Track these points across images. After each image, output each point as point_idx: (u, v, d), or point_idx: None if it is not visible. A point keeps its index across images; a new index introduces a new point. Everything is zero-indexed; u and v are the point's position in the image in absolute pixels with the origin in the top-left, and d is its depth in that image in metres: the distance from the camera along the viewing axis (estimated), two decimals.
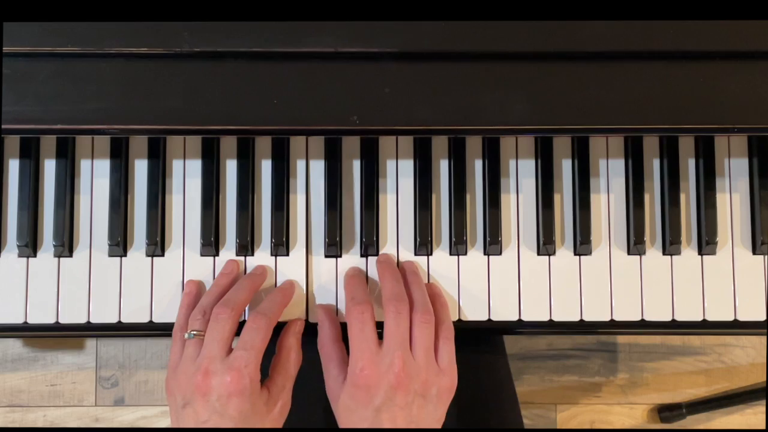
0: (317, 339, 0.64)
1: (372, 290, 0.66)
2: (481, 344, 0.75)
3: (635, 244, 0.66)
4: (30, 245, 0.65)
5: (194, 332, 0.61)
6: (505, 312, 0.67)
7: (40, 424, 1.35)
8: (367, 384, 0.58)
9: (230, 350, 0.59)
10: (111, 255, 0.66)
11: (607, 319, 0.67)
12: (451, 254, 0.67)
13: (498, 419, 0.73)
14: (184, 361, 0.60)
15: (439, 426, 0.61)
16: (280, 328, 0.64)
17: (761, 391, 1.29)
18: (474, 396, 0.72)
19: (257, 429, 0.58)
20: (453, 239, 0.66)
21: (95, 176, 0.67)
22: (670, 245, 0.66)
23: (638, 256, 0.67)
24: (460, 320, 0.66)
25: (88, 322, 0.66)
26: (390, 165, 0.67)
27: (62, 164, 0.66)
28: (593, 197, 0.67)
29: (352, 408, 0.59)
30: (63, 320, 0.66)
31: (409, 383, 0.58)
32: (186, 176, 0.67)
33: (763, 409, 1.35)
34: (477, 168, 0.68)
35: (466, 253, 0.67)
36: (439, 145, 0.68)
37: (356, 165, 0.67)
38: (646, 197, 0.68)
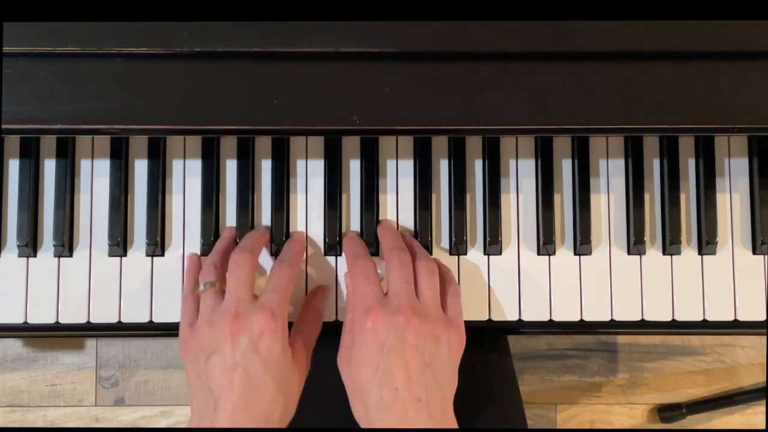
0: (346, 306, 0.62)
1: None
2: (485, 344, 0.75)
3: (635, 244, 0.66)
4: (30, 245, 0.65)
5: (209, 283, 0.59)
6: (505, 312, 0.67)
7: (40, 424, 1.35)
8: (374, 325, 0.55)
9: (254, 296, 0.58)
10: (111, 255, 0.66)
11: (607, 319, 0.67)
12: (451, 254, 0.67)
13: (501, 419, 0.73)
14: (204, 312, 0.58)
15: (455, 384, 0.59)
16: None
17: (761, 391, 1.29)
18: (478, 395, 0.72)
19: (263, 429, 0.57)
20: (453, 239, 0.66)
21: (95, 176, 0.67)
22: (670, 245, 0.66)
23: (638, 256, 0.67)
24: None
25: (88, 322, 0.66)
26: (390, 165, 0.68)
27: (62, 164, 0.66)
28: (593, 197, 0.67)
29: (362, 359, 0.56)
30: (63, 320, 0.66)
31: (418, 323, 0.56)
32: (186, 176, 0.67)
33: (763, 409, 1.35)
34: (477, 168, 0.68)
35: (466, 253, 0.67)
36: (439, 145, 0.68)
37: (356, 165, 0.67)
38: (646, 197, 0.68)
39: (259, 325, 0.55)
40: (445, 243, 0.67)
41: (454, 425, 0.57)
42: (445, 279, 0.62)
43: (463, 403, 0.69)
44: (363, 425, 0.57)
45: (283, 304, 0.57)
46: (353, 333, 0.57)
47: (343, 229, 0.67)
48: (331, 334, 0.63)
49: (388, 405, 0.54)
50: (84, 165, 0.67)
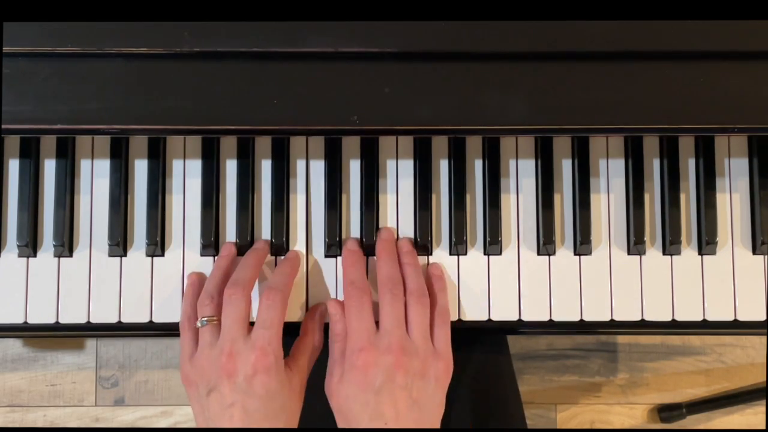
0: (329, 333, 0.64)
1: (370, 270, 0.66)
2: (484, 343, 0.75)
3: (635, 244, 0.66)
4: (30, 245, 0.65)
5: (206, 318, 0.61)
6: (505, 312, 0.67)
7: (40, 424, 1.35)
8: (365, 365, 0.58)
9: (249, 329, 0.60)
10: (111, 255, 0.66)
11: (607, 319, 0.67)
12: (451, 254, 0.67)
13: (501, 419, 0.73)
14: (203, 348, 0.60)
15: (441, 412, 0.61)
16: (286, 330, 0.64)
17: (761, 391, 1.29)
18: (478, 395, 0.72)
19: (266, 429, 0.58)
20: (453, 239, 0.66)
21: (95, 176, 0.67)
22: (670, 245, 0.66)
23: (638, 256, 0.67)
24: (460, 320, 0.66)
25: (88, 322, 0.66)
26: (390, 165, 0.67)
27: (62, 164, 0.66)
28: (593, 197, 0.67)
29: (352, 396, 0.59)
30: (63, 320, 0.66)
31: (407, 362, 0.58)
32: (186, 176, 0.67)
33: (763, 409, 1.35)
34: (477, 168, 0.68)
35: (466, 253, 0.67)
36: (439, 145, 0.68)
37: (356, 165, 0.67)
38: (646, 197, 0.68)
39: (252, 365, 0.57)
40: (445, 243, 0.67)
41: None
42: (435, 307, 0.63)
43: (462, 403, 0.69)
44: None
45: (276, 338, 0.59)
46: (343, 368, 0.60)
47: (343, 229, 0.67)
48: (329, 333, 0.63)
49: None
50: (84, 165, 0.67)
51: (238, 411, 0.57)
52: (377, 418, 0.58)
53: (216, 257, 0.66)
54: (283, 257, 0.66)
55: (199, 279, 0.65)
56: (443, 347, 0.62)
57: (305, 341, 0.64)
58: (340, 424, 0.61)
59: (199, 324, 0.61)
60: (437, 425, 0.61)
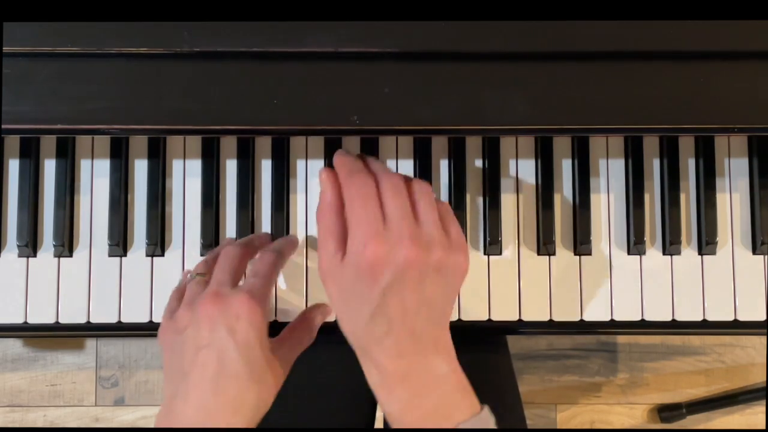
0: (316, 209, 0.56)
1: None
2: (484, 344, 0.75)
3: (635, 244, 0.66)
4: (30, 245, 0.65)
5: (198, 274, 0.58)
6: (505, 312, 0.67)
7: (40, 424, 1.35)
8: (373, 263, 0.50)
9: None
10: (111, 255, 0.66)
11: (607, 319, 0.67)
12: None
13: (501, 419, 0.73)
14: (187, 298, 0.56)
15: (452, 307, 0.56)
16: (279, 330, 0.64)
17: (761, 391, 1.29)
18: (477, 395, 0.72)
19: (260, 428, 0.57)
20: None
21: (95, 176, 0.67)
22: (670, 245, 0.66)
23: (638, 256, 0.67)
24: (460, 320, 0.66)
25: (88, 322, 0.66)
26: (390, 165, 0.67)
27: (62, 164, 0.66)
28: (593, 197, 0.67)
29: (351, 291, 0.52)
30: (63, 320, 0.66)
31: (422, 256, 0.51)
32: (186, 176, 0.67)
33: (763, 409, 1.35)
34: (477, 168, 0.68)
35: None
36: (439, 145, 0.68)
37: None
38: (646, 197, 0.68)
39: (235, 307, 0.53)
40: None
41: (451, 350, 0.55)
42: (441, 209, 0.56)
43: None
44: (360, 359, 0.54)
45: (263, 289, 0.55)
46: (340, 252, 0.53)
47: None
48: (328, 333, 0.63)
49: (380, 337, 0.52)
50: (84, 165, 0.67)
51: (212, 356, 0.52)
52: (379, 316, 0.51)
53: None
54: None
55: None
56: (459, 238, 0.54)
57: (300, 326, 0.60)
58: (332, 306, 0.55)
59: (189, 277, 0.58)
60: (447, 325, 0.55)
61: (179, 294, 0.60)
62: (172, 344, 0.55)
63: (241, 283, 0.58)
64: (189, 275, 0.59)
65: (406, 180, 0.56)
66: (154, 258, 0.66)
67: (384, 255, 0.50)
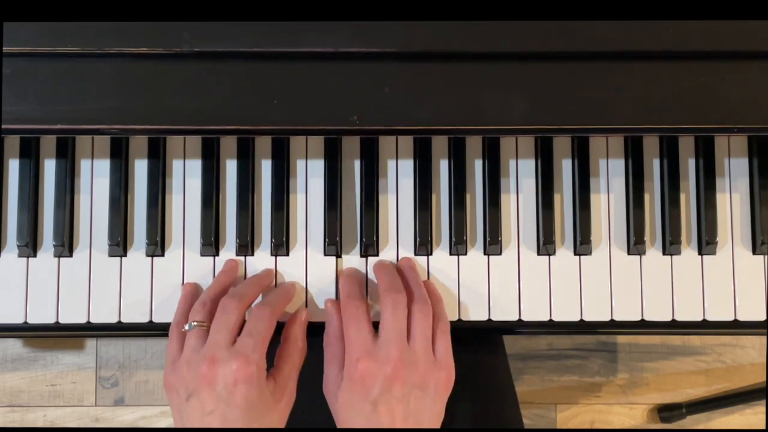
0: (324, 334, 0.63)
1: (370, 292, 0.66)
2: (480, 344, 0.75)
3: (635, 244, 0.66)
4: (30, 245, 0.65)
5: (195, 323, 0.60)
6: (505, 312, 0.67)
7: (40, 424, 1.35)
8: (363, 376, 0.57)
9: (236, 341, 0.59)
10: (111, 255, 0.66)
11: (607, 319, 0.67)
12: (451, 254, 0.67)
13: (498, 419, 0.73)
14: (187, 353, 0.59)
15: (439, 421, 0.61)
16: (280, 330, 0.64)
17: (761, 391, 1.29)
18: (473, 396, 0.72)
19: (261, 429, 0.58)
20: (453, 239, 0.66)
21: (95, 176, 0.67)
22: (670, 245, 0.66)
23: (638, 256, 0.67)
24: (460, 320, 0.66)
25: (88, 322, 0.66)
26: (390, 165, 0.67)
27: (62, 164, 0.66)
28: (593, 197, 0.67)
29: (349, 404, 0.58)
30: (63, 320, 0.66)
31: (406, 374, 0.58)
32: (186, 176, 0.67)
33: (763, 409, 1.35)
34: (477, 168, 0.68)
35: (466, 253, 0.67)
36: (439, 145, 0.68)
37: (356, 165, 0.67)
38: (646, 197, 0.68)
39: (233, 373, 0.56)
40: (445, 243, 0.67)
41: None
42: (436, 313, 0.63)
43: (458, 403, 0.69)
44: None
45: (259, 347, 0.58)
46: (341, 374, 0.60)
47: (343, 229, 0.67)
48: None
49: None
50: (84, 165, 0.67)
51: (217, 420, 0.56)
52: (372, 425, 0.58)
53: (215, 274, 0.66)
54: (279, 285, 0.67)
55: (194, 290, 0.65)
56: (445, 356, 0.61)
57: (288, 348, 0.63)
58: (338, 422, 0.61)
59: (186, 327, 0.60)
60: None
61: (179, 339, 0.61)
62: (178, 400, 0.59)
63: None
64: (187, 324, 0.61)
65: (411, 298, 0.62)
66: (154, 258, 0.66)
67: (374, 370, 0.57)
